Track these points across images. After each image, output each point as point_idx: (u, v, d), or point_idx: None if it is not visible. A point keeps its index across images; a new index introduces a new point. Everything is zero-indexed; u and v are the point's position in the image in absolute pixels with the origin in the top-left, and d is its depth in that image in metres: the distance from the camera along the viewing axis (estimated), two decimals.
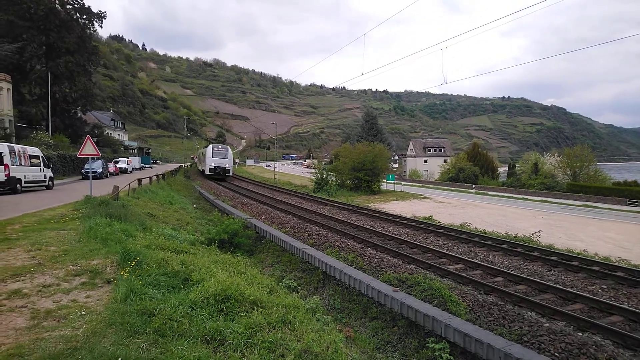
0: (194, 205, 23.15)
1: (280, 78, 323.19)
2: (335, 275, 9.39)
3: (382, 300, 7.74)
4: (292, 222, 15.67)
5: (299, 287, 10.10)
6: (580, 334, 6.09)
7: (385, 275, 8.64)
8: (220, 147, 42.68)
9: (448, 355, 6.19)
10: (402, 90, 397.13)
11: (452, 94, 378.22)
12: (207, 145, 46.38)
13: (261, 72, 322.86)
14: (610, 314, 6.91)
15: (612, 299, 7.70)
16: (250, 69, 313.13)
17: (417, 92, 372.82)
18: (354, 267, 9.46)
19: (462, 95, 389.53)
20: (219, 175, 40.17)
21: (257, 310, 5.38)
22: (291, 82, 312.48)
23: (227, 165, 40.71)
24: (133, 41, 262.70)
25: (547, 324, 6.31)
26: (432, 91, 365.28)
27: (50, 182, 21.91)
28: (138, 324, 4.44)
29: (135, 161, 50.75)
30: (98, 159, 28.46)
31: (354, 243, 11.98)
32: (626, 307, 7.09)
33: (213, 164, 39.86)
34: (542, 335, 5.93)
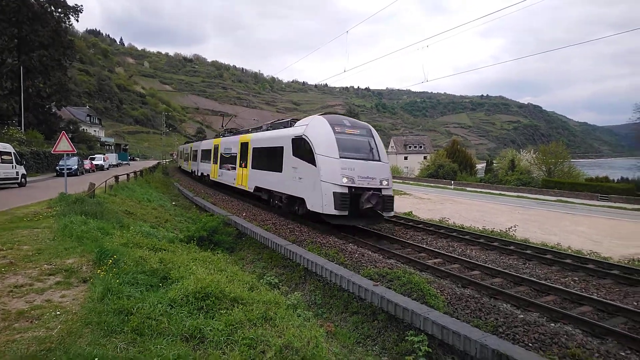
0: (173, 203, 22.81)
1: (262, 74, 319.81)
2: (317, 271, 9.42)
3: (362, 295, 7.82)
4: (273, 218, 15.62)
5: (280, 284, 10.09)
6: (552, 324, 6.30)
7: (365, 270, 8.72)
8: (348, 122, 13.09)
9: (427, 347, 6.31)
10: (384, 88, 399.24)
11: (432, 92, 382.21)
12: (311, 119, 13.85)
13: (243, 68, 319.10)
14: (581, 304, 7.18)
15: (583, 290, 7.98)
16: (231, 64, 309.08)
17: (398, 90, 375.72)
18: (335, 263, 9.50)
19: (442, 93, 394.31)
20: (367, 212, 11.61)
21: (237, 308, 5.36)
22: (273, 79, 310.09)
23: (386, 183, 12.12)
24: (110, 35, 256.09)
25: (522, 315, 6.50)
26: (413, 89, 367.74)
27: (22, 179, 21.24)
28: (115, 323, 4.38)
29: (112, 158, 49.55)
30: (73, 155, 27.68)
31: (335, 239, 12.02)
32: (595, 297, 7.38)
33: (344, 179, 11.38)
34: (516, 326, 6.11)
